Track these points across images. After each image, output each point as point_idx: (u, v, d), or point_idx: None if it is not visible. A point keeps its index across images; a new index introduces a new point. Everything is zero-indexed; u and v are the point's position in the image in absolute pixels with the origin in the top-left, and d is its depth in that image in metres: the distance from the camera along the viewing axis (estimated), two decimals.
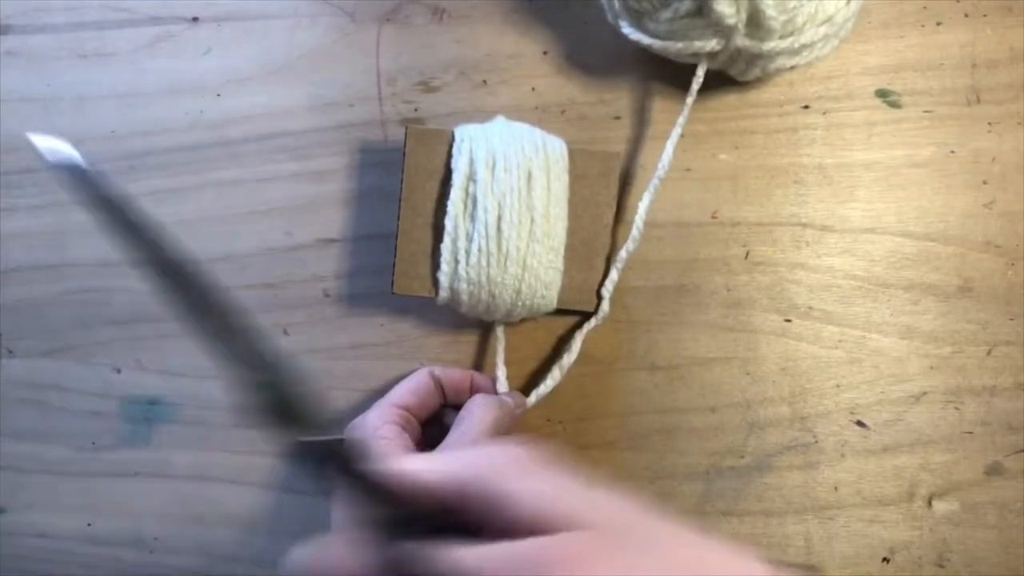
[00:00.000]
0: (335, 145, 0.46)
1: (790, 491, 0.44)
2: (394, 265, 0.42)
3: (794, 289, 0.44)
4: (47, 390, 0.47)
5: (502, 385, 0.42)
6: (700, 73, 0.41)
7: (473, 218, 0.40)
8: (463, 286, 0.41)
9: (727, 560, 0.24)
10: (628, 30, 0.41)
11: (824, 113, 0.45)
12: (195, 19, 0.47)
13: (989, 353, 0.44)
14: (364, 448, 0.24)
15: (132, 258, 0.26)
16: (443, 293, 0.41)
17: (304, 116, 0.46)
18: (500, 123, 0.42)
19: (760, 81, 0.44)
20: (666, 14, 0.39)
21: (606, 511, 0.25)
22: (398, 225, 0.42)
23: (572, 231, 0.42)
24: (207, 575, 0.46)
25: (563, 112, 0.45)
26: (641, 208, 0.42)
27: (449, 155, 0.42)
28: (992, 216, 0.44)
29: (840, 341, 0.44)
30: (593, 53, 0.45)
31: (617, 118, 0.45)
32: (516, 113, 0.44)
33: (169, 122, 0.46)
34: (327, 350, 0.46)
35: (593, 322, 0.43)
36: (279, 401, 0.24)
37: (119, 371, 0.46)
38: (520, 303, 0.41)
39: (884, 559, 0.44)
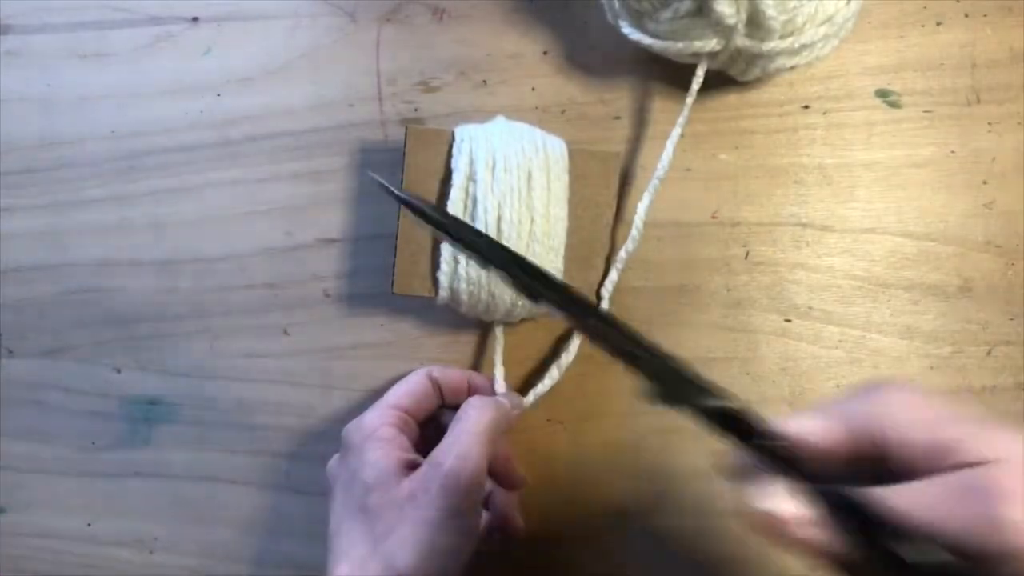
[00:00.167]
0: (335, 145, 0.46)
1: None
2: (394, 265, 0.42)
3: (794, 289, 0.44)
4: (47, 390, 0.47)
5: (500, 385, 0.42)
6: (700, 73, 0.41)
7: (473, 218, 0.40)
8: (463, 286, 0.41)
9: None
10: (628, 30, 0.41)
11: (824, 113, 0.45)
12: (195, 19, 0.47)
13: (989, 353, 0.44)
14: (758, 415, 0.27)
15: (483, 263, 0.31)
16: (443, 293, 0.41)
17: (304, 116, 0.46)
18: (500, 123, 0.42)
19: (760, 81, 0.44)
20: (666, 14, 0.39)
21: (1004, 440, 0.25)
22: (398, 225, 0.42)
23: (572, 231, 0.42)
24: (207, 575, 0.46)
25: (563, 112, 0.45)
26: (641, 208, 0.42)
27: (449, 155, 0.42)
28: (992, 216, 0.44)
29: (840, 341, 0.44)
30: (593, 53, 0.45)
31: (617, 118, 0.45)
32: (516, 113, 0.44)
33: (169, 122, 0.46)
34: (327, 350, 0.46)
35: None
36: (678, 380, 0.27)
37: (119, 371, 0.46)
38: (520, 303, 0.41)
39: None
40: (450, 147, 0.42)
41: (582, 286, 0.43)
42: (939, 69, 0.44)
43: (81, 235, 0.47)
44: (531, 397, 0.42)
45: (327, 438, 0.44)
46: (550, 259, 0.41)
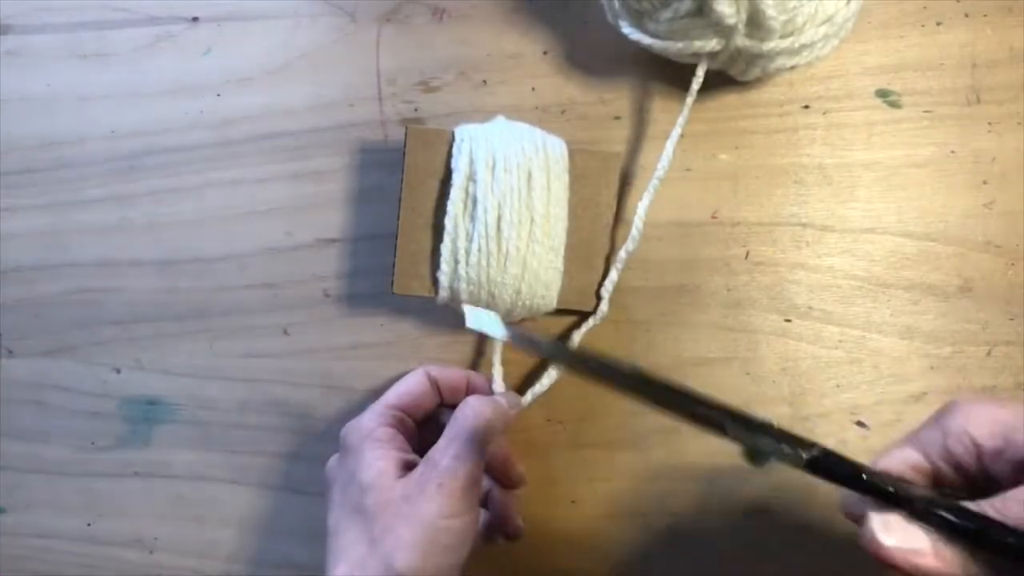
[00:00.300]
0: (335, 145, 0.46)
1: (791, 491, 0.44)
2: (394, 265, 0.42)
3: (794, 289, 0.44)
4: (47, 390, 0.47)
5: (498, 385, 0.42)
6: (700, 73, 0.41)
7: (473, 218, 0.40)
8: (463, 286, 0.41)
9: None
10: (628, 30, 0.41)
11: (824, 113, 0.45)
12: (195, 19, 0.47)
13: (989, 353, 0.44)
14: (843, 458, 0.28)
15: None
16: (443, 293, 0.41)
17: (304, 116, 0.46)
18: (500, 123, 0.42)
19: (760, 81, 0.44)
20: (666, 14, 0.39)
21: None
22: (398, 225, 0.42)
23: (572, 231, 0.42)
24: (207, 575, 0.46)
25: (563, 112, 0.45)
26: (641, 208, 0.42)
27: (449, 155, 0.42)
28: (992, 216, 0.44)
29: (840, 341, 0.44)
30: (593, 53, 0.45)
31: (617, 118, 0.45)
32: (516, 113, 0.44)
33: (169, 122, 0.46)
34: (327, 350, 0.46)
35: (591, 322, 0.43)
36: (767, 435, 0.28)
37: (119, 371, 0.46)
38: (520, 303, 0.41)
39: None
40: (450, 147, 0.42)
41: (582, 286, 0.43)
42: (939, 69, 0.44)
43: (81, 235, 0.47)
44: (529, 397, 0.42)
45: (327, 438, 0.44)
46: (550, 259, 0.41)
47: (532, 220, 0.40)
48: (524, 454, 0.44)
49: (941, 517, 0.27)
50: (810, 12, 0.39)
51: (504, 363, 0.43)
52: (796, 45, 0.39)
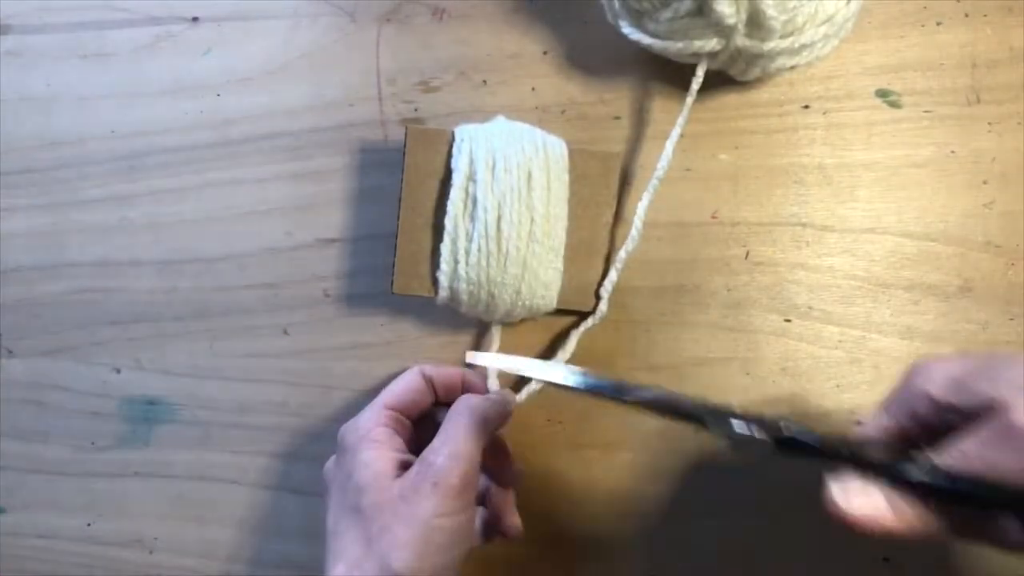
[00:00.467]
0: (335, 145, 0.46)
1: (791, 491, 0.44)
2: (394, 265, 0.42)
3: (794, 289, 0.44)
4: (47, 390, 0.47)
5: (493, 383, 0.42)
6: (700, 73, 0.41)
7: (473, 218, 0.40)
8: (463, 286, 0.41)
9: None
10: (628, 30, 0.41)
11: (824, 113, 0.45)
12: (195, 19, 0.47)
13: None
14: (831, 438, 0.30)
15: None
16: (443, 293, 0.41)
17: (304, 116, 0.46)
18: (500, 123, 0.42)
19: (760, 81, 0.44)
20: (666, 14, 0.39)
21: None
22: (398, 225, 0.42)
23: (572, 231, 0.42)
24: (207, 575, 0.46)
25: (563, 112, 0.45)
26: (640, 208, 0.42)
27: (449, 155, 0.42)
28: (992, 216, 0.44)
29: (840, 341, 0.44)
30: (593, 53, 0.45)
31: (617, 118, 0.45)
32: (516, 113, 0.44)
33: (169, 122, 0.46)
34: (327, 350, 0.46)
35: (590, 321, 0.43)
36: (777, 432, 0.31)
37: (119, 371, 0.46)
38: (520, 303, 0.41)
39: (884, 559, 0.44)
40: (450, 147, 0.42)
41: (582, 286, 0.43)
42: (939, 69, 0.44)
43: (81, 235, 0.47)
44: (523, 395, 0.42)
45: (327, 438, 0.44)
46: (550, 259, 0.41)
47: (532, 220, 0.40)
48: (524, 454, 0.44)
49: (896, 475, 0.28)
50: (810, 12, 0.39)
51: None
52: (796, 45, 0.39)
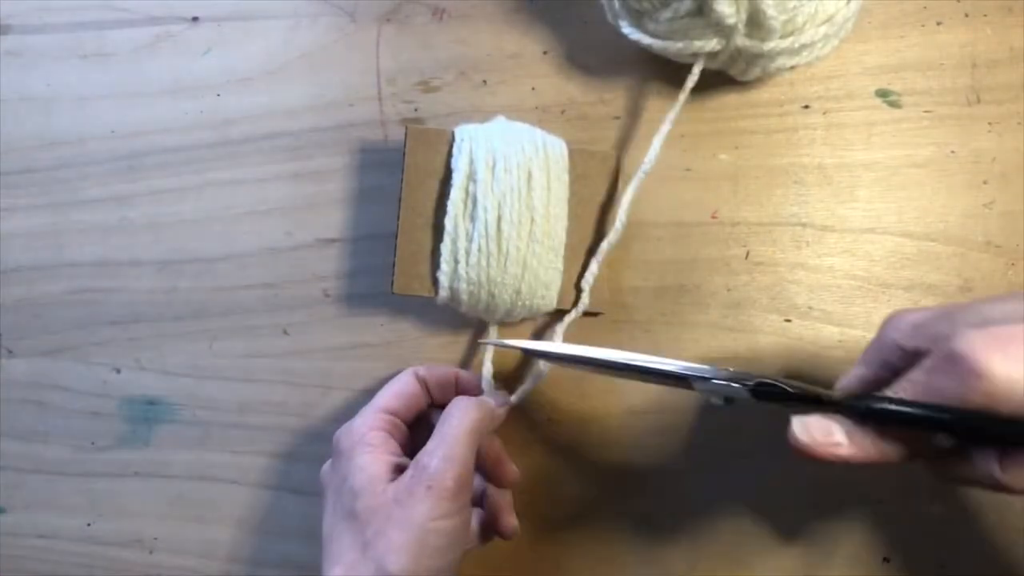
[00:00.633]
0: (335, 145, 0.46)
1: (791, 492, 0.44)
2: (394, 265, 0.42)
3: (794, 289, 0.44)
4: (47, 390, 0.47)
5: (488, 383, 0.42)
6: (695, 71, 0.41)
7: (473, 218, 0.40)
8: (463, 286, 0.41)
9: None
10: (628, 30, 0.41)
11: (824, 113, 0.45)
12: (195, 19, 0.47)
13: None
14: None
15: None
16: (443, 293, 0.41)
17: (304, 116, 0.46)
18: (500, 123, 0.42)
19: (760, 81, 0.44)
20: (666, 14, 0.39)
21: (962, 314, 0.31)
22: (398, 225, 0.42)
23: (572, 231, 0.42)
24: (207, 575, 0.46)
25: (563, 112, 0.45)
26: (624, 200, 0.41)
27: (449, 155, 0.42)
28: (992, 216, 0.44)
29: (840, 341, 0.44)
30: (593, 53, 0.45)
31: (617, 118, 0.45)
32: (516, 113, 0.44)
33: (169, 122, 0.46)
34: (327, 350, 0.46)
35: (573, 314, 0.42)
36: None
37: (119, 371, 0.46)
38: (520, 303, 0.41)
39: (884, 559, 0.44)
40: (450, 147, 0.42)
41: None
42: (939, 69, 0.44)
43: (81, 235, 0.47)
44: (517, 395, 0.42)
45: (327, 438, 0.44)
46: (550, 259, 0.41)
47: (532, 220, 0.40)
48: (524, 454, 0.44)
49: (853, 409, 0.31)
50: (810, 12, 0.39)
51: (501, 361, 0.43)
52: (796, 45, 0.39)
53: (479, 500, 0.42)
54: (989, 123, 0.44)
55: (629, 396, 0.44)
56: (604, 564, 0.45)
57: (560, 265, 0.42)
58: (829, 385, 0.34)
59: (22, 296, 0.47)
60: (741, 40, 0.39)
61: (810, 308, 0.44)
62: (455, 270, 0.41)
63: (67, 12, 0.47)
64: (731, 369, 0.34)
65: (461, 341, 0.45)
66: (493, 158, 0.40)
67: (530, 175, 0.40)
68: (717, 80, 0.43)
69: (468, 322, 0.45)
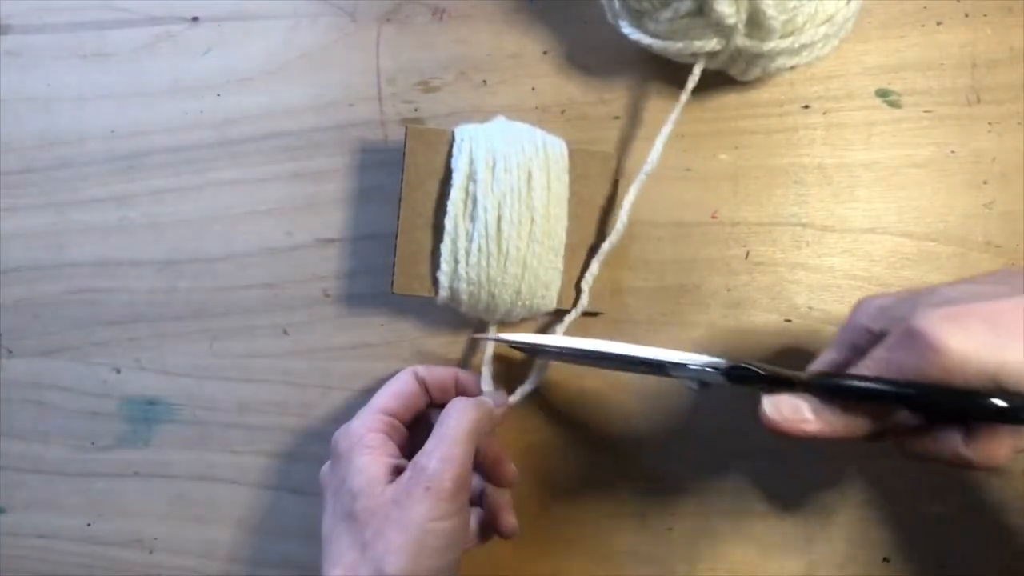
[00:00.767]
0: (335, 145, 0.46)
1: (791, 492, 0.44)
2: (394, 265, 0.42)
3: (794, 289, 0.44)
4: (47, 390, 0.47)
5: (487, 383, 0.42)
6: (696, 71, 0.41)
7: (473, 218, 0.40)
8: (463, 286, 0.41)
9: None
10: (628, 30, 0.41)
11: (824, 113, 0.45)
12: (195, 19, 0.47)
13: None
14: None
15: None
16: (443, 293, 0.41)
17: (304, 116, 0.46)
18: (500, 123, 0.42)
19: (760, 81, 0.44)
20: (666, 14, 0.39)
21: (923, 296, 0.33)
22: (398, 225, 0.42)
23: (572, 231, 0.42)
24: (207, 575, 0.46)
25: (563, 112, 0.45)
26: (626, 202, 0.41)
27: (449, 155, 0.42)
28: (992, 216, 0.44)
29: None
30: (593, 53, 0.45)
31: (617, 118, 0.45)
32: (516, 113, 0.44)
33: (169, 122, 0.46)
34: (327, 350, 0.46)
35: (573, 314, 0.42)
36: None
37: (118, 371, 0.46)
38: (520, 303, 0.41)
39: (884, 559, 0.44)
40: (450, 147, 0.42)
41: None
42: (939, 69, 0.44)
43: (81, 235, 0.47)
44: (517, 395, 0.42)
45: (327, 438, 0.44)
46: (550, 259, 0.41)
47: (532, 220, 0.40)
48: (524, 454, 0.44)
49: (820, 387, 0.32)
50: (810, 12, 0.39)
51: (500, 361, 0.43)
52: (796, 45, 0.39)
53: (478, 499, 0.42)
54: (989, 123, 0.44)
55: (629, 396, 0.44)
56: (604, 564, 0.45)
57: (560, 265, 0.42)
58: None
59: (22, 296, 0.47)
60: (741, 40, 0.39)
61: (810, 308, 0.44)
62: (455, 270, 0.41)
63: (67, 12, 0.47)
64: (704, 354, 0.35)
65: (461, 341, 0.45)
66: (493, 158, 0.40)
67: (530, 175, 0.40)
68: (717, 80, 0.43)
69: (468, 322, 0.45)
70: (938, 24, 0.45)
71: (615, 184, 0.43)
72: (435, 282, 0.42)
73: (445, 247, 0.41)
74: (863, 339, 0.34)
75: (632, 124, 0.45)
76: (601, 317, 0.44)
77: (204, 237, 0.46)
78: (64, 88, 0.47)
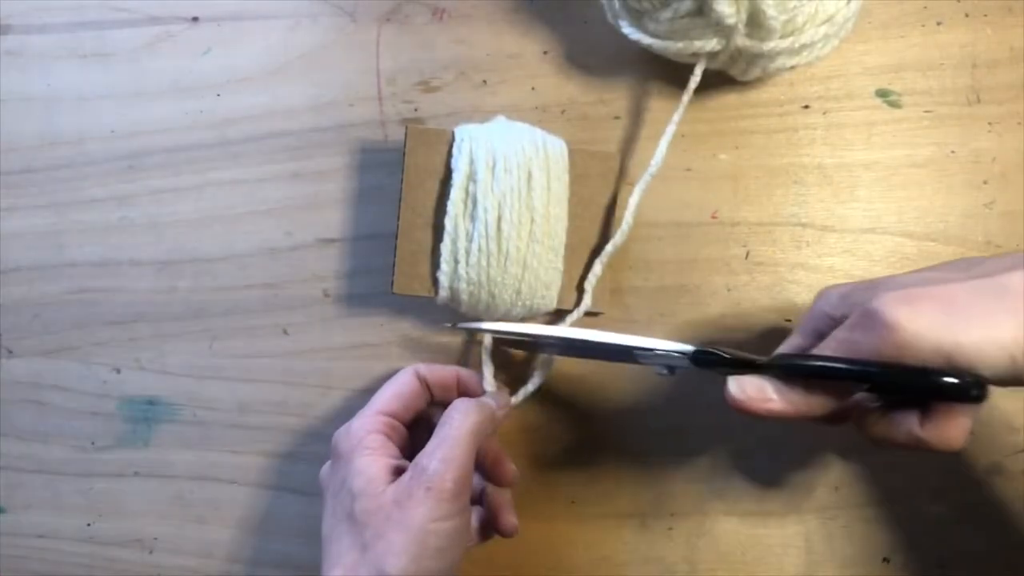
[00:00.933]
0: (335, 145, 0.46)
1: (791, 492, 0.44)
2: (394, 265, 0.42)
3: (794, 289, 0.44)
4: (47, 390, 0.47)
5: (488, 383, 0.42)
6: (698, 72, 0.41)
7: (473, 218, 0.40)
8: (463, 286, 0.41)
9: None
10: (628, 30, 0.41)
11: (824, 113, 0.45)
12: (195, 19, 0.47)
13: None
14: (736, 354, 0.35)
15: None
16: (443, 293, 0.41)
17: (304, 116, 0.46)
18: (500, 123, 0.42)
19: (760, 81, 0.44)
20: (666, 14, 0.39)
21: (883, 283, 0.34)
22: (398, 225, 0.42)
23: (572, 231, 0.42)
24: (207, 575, 0.46)
25: (563, 112, 0.45)
26: (631, 203, 0.41)
27: (449, 155, 0.42)
28: (992, 216, 0.44)
29: None
30: (593, 53, 0.45)
31: (617, 118, 0.45)
32: (516, 113, 0.44)
33: (169, 122, 0.46)
34: (327, 350, 0.46)
35: (575, 314, 0.43)
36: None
37: (118, 371, 0.46)
38: (520, 303, 0.41)
39: (884, 559, 0.44)
40: (450, 147, 0.42)
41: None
42: (939, 69, 0.44)
43: (81, 235, 0.47)
44: (519, 396, 0.42)
45: (326, 438, 0.44)
46: (550, 259, 0.41)
47: (532, 220, 0.40)
48: (524, 453, 0.44)
49: (783, 368, 0.33)
50: (810, 12, 0.39)
51: (500, 361, 0.43)
52: (796, 45, 0.39)
53: (478, 498, 0.42)
54: (989, 123, 0.44)
55: (630, 396, 0.44)
56: (604, 563, 0.45)
57: (560, 265, 0.42)
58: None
59: (22, 296, 0.47)
60: (741, 40, 0.39)
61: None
62: (455, 270, 0.41)
63: (67, 12, 0.47)
64: (670, 339, 0.36)
65: (461, 341, 0.45)
66: (493, 158, 0.40)
67: (530, 175, 0.40)
68: (717, 80, 0.43)
69: (467, 322, 0.45)
70: (938, 24, 0.45)
71: (616, 184, 0.43)
72: (435, 282, 0.42)
73: (445, 247, 0.41)
74: (825, 325, 0.35)
75: (632, 124, 0.45)
76: (601, 317, 0.44)
77: (204, 237, 0.46)
78: (64, 88, 0.47)
